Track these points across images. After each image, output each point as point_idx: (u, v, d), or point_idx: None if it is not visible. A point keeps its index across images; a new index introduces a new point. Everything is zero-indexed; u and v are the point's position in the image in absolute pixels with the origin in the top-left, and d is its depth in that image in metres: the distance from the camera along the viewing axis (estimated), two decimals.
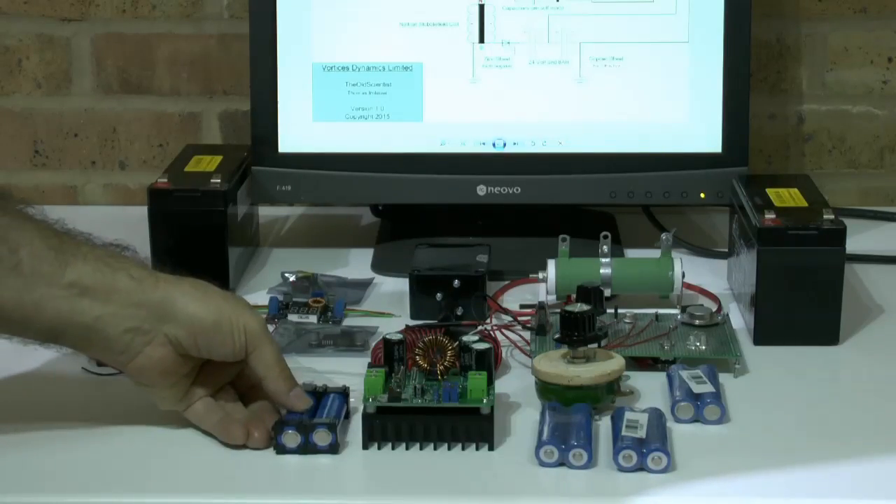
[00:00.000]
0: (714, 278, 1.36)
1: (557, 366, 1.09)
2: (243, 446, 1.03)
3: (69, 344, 1.02)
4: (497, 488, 1.00)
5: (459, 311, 1.24)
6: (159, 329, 1.01)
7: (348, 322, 1.26)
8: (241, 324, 1.03)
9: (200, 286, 1.04)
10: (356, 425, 1.05)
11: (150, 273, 1.03)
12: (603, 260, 1.29)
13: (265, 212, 1.52)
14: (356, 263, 1.42)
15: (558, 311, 1.12)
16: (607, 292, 1.26)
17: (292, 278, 1.34)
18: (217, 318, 1.02)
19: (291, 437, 1.02)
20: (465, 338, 1.09)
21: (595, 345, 1.11)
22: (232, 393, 1.07)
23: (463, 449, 1.03)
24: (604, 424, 1.06)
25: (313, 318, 1.26)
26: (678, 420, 1.07)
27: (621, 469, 0.99)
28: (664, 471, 0.99)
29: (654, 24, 1.40)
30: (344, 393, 1.07)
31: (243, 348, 1.03)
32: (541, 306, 1.21)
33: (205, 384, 1.06)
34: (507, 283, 1.34)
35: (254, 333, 1.03)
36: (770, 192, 1.28)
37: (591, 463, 1.00)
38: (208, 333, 1.02)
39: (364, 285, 1.35)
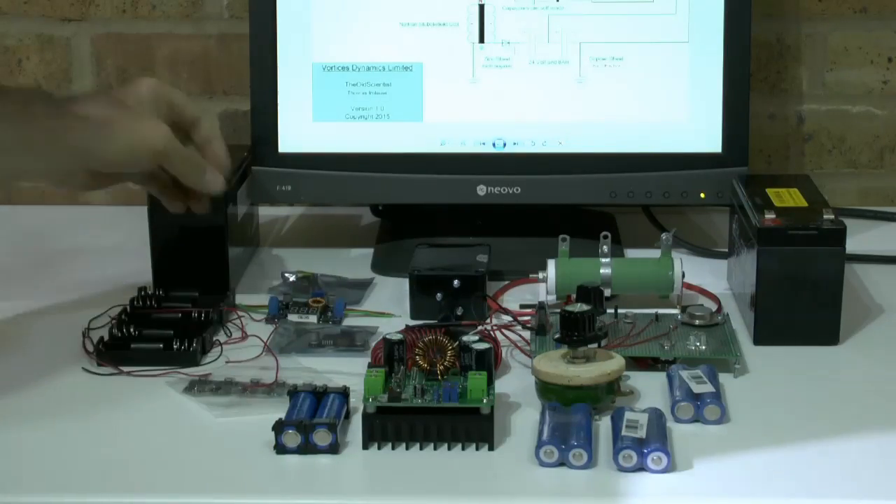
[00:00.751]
0: (714, 278, 1.36)
1: (557, 366, 1.09)
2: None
3: None
4: (497, 488, 1.00)
5: (459, 311, 1.25)
6: (77, 166, 1.13)
7: (348, 322, 1.26)
8: (148, 147, 1.14)
9: (106, 118, 1.12)
10: (356, 425, 1.05)
11: (59, 119, 1.11)
12: (603, 260, 1.29)
13: (265, 212, 1.52)
14: (356, 263, 1.42)
15: (558, 311, 1.12)
16: (607, 292, 1.26)
17: (292, 278, 1.34)
18: (128, 151, 1.13)
19: (291, 437, 1.02)
20: (465, 338, 1.09)
21: (595, 345, 1.11)
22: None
23: (463, 449, 1.03)
24: (604, 424, 1.06)
25: (313, 318, 1.25)
26: (678, 420, 1.07)
27: (621, 469, 0.99)
28: (664, 471, 0.99)
29: (654, 24, 1.40)
30: (344, 393, 1.07)
31: (155, 164, 1.16)
32: (541, 306, 1.21)
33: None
34: (507, 283, 1.34)
35: (161, 153, 1.15)
36: (770, 192, 1.28)
37: (591, 463, 1.00)
38: (122, 164, 1.14)
39: (364, 285, 1.35)
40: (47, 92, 1.13)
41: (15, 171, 1.13)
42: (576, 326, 1.09)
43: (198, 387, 1.12)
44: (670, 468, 1.00)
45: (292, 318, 1.26)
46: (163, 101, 1.19)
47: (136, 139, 1.14)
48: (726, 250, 1.37)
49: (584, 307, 1.10)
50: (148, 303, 1.26)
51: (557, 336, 1.11)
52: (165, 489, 0.99)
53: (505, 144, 1.42)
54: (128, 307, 1.25)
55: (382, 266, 1.40)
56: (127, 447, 1.05)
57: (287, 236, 1.53)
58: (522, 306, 1.27)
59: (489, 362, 1.07)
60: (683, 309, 1.23)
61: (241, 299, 1.31)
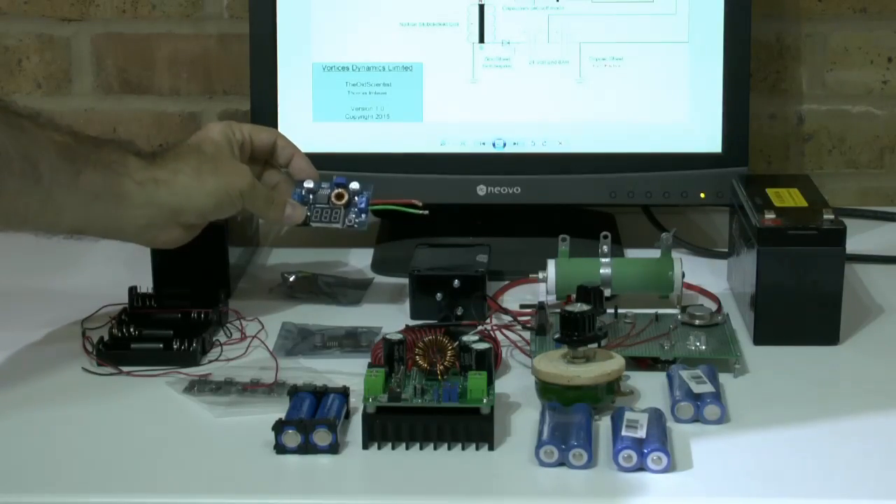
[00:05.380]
0: (714, 278, 1.36)
1: (557, 366, 1.09)
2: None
3: (92, 237, 1.16)
4: (497, 488, 1.00)
5: (459, 311, 1.24)
6: (170, 220, 1.16)
7: (375, 324, 1.25)
8: (237, 192, 1.18)
9: (194, 170, 1.16)
10: (356, 425, 1.05)
11: (151, 172, 1.15)
12: (603, 260, 1.29)
13: None
14: (356, 263, 1.42)
15: (558, 311, 1.12)
16: (607, 292, 1.26)
17: (292, 278, 1.34)
18: (217, 200, 1.18)
19: (291, 437, 1.02)
20: (465, 338, 1.09)
21: (595, 345, 1.11)
22: None
23: (463, 449, 1.03)
24: (604, 424, 1.06)
25: (337, 225, 1.25)
26: (678, 420, 1.07)
27: (621, 469, 0.99)
28: (664, 471, 0.99)
29: (654, 24, 1.40)
30: (344, 393, 1.07)
31: (242, 206, 1.20)
32: (541, 306, 1.21)
33: None
34: (507, 283, 1.34)
35: (246, 195, 1.19)
36: (770, 192, 1.28)
37: (591, 463, 1.00)
38: (213, 213, 1.19)
39: (364, 285, 1.35)
40: (137, 146, 1.19)
41: (103, 219, 1.14)
42: (576, 326, 1.09)
43: (198, 387, 1.12)
44: (670, 468, 1.00)
45: (316, 224, 1.25)
46: (235, 142, 1.23)
47: (222, 184, 1.18)
48: (726, 250, 1.37)
49: (584, 307, 1.10)
50: (146, 302, 1.26)
51: (557, 336, 1.11)
52: (165, 489, 0.99)
53: (505, 144, 1.42)
54: (127, 307, 1.25)
55: (382, 266, 1.40)
56: (127, 447, 1.05)
57: (287, 236, 1.52)
58: (522, 306, 1.27)
59: (489, 362, 1.07)
60: (683, 309, 1.23)
61: (241, 299, 1.31)
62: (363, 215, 1.26)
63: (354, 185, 1.27)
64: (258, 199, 1.21)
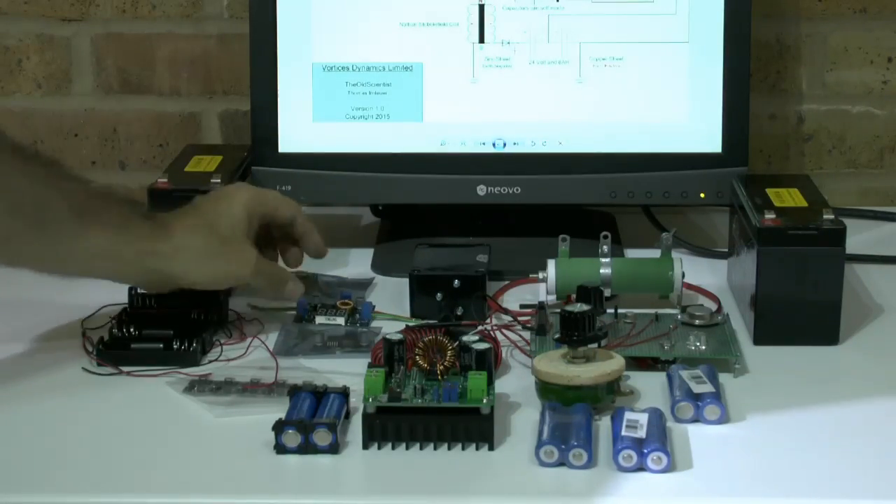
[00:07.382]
0: (714, 278, 1.36)
1: (557, 366, 1.09)
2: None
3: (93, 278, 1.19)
4: (497, 488, 1.00)
5: (459, 311, 1.25)
6: (167, 284, 1.19)
7: (375, 324, 1.25)
8: (234, 278, 1.21)
9: (198, 252, 1.18)
10: (356, 425, 1.05)
11: (152, 243, 1.16)
12: (603, 260, 1.29)
13: None
14: (356, 263, 1.42)
15: (558, 311, 1.12)
16: (607, 292, 1.26)
17: None
18: (215, 280, 1.20)
19: (291, 437, 1.02)
20: (465, 338, 1.09)
21: (595, 345, 1.11)
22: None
23: (463, 449, 1.03)
24: (604, 424, 1.06)
25: (341, 321, 1.25)
26: (678, 420, 1.07)
27: (621, 469, 0.99)
28: (664, 471, 0.99)
29: (654, 24, 1.40)
30: (344, 393, 1.07)
31: (241, 283, 1.23)
32: (541, 306, 1.21)
33: None
34: (507, 283, 1.34)
35: (243, 280, 1.21)
36: (770, 192, 1.28)
37: (591, 463, 1.00)
38: (210, 286, 1.21)
39: (364, 285, 1.35)
40: (145, 207, 1.25)
41: (103, 273, 1.17)
42: (576, 326, 1.09)
43: (198, 387, 1.12)
44: (670, 468, 1.00)
45: (320, 319, 1.25)
46: (255, 216, 1.23)
47: (223, 270, 1.20)
48: (726, 250, 1.37)
49: (584, 307, 1.10)
50: (146, 302, 1.26)
51: (557, 336, 1.11)
52: (165, 489, 0.99)
53: (505, 144, 1.42)
54: (127, 307, 1.25)
55: (382, 266, 1.40)
56: (127, 447, 1.05)
57: None
58: (522, 306, 1.27)
59: (489, 362, 1.07)
60: (683, 309, 1.23)
61: (241, 299, 1.31)
62: (366, 318, 1.26)
63: (358, 303, 1.29)
64: (259, 280, 1.22)
